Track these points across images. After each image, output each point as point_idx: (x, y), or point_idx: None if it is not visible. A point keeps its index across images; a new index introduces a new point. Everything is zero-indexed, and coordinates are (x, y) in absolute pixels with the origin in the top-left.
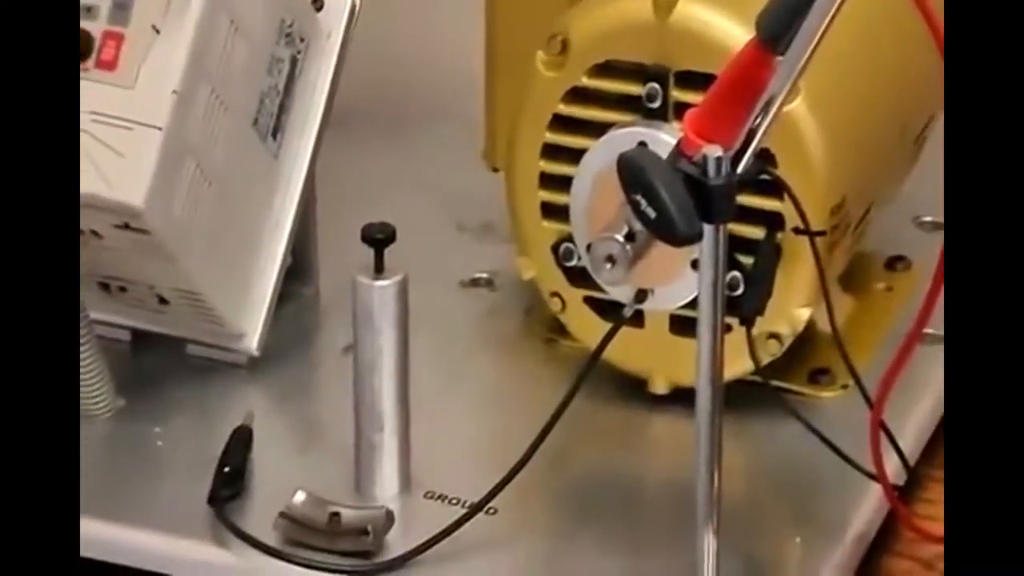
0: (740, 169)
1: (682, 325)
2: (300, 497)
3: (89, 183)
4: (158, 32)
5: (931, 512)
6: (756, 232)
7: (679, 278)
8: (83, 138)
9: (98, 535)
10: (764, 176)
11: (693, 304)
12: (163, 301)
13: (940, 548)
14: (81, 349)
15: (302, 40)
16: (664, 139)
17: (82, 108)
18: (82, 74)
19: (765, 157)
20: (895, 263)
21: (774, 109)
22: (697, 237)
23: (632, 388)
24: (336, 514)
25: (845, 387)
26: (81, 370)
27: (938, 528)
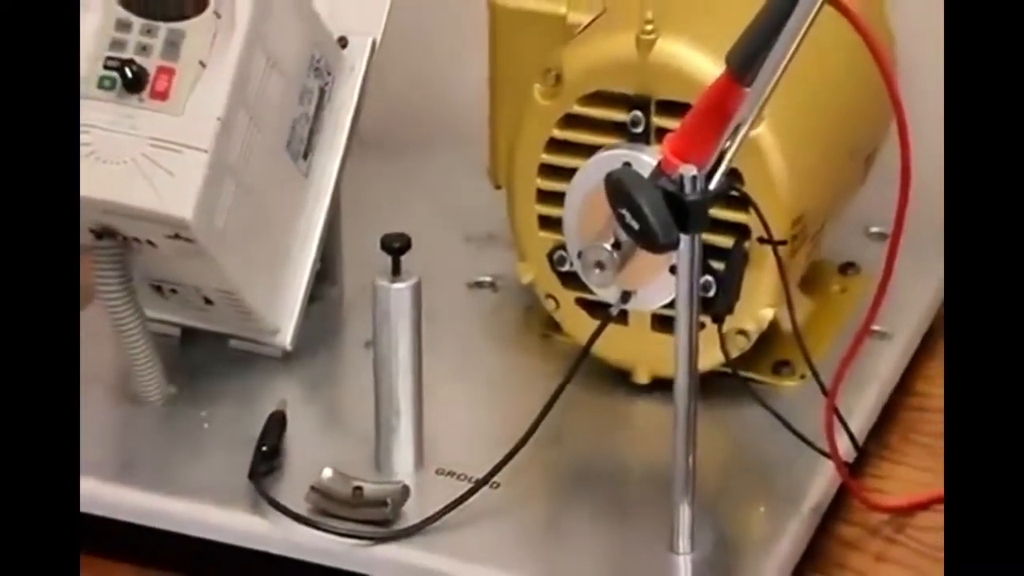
0: (712, 186)
1: (662, 323)
2: (328, 473)
3: (145, 199)
4: (204, 67)
5: (877, 485)
6: (726, 241)
7: (659, 281)
8: (139, 160)
9: (150, 505)
10: (733, 192)
11: (671, 304)
12: (208, 301)
13: (885, 516)
14: (137, 342)
15: (329, 73)
16: (646, 160)
17: (138, 133)
18: (137, 103)
19: (734, 175)
20: (847, 268)
21: (742, 134)
22: (675, 245)
23: (618, 378)
24: (359, 488)
25: (803, 377)
26: (136, 361)
27: (883, 499)
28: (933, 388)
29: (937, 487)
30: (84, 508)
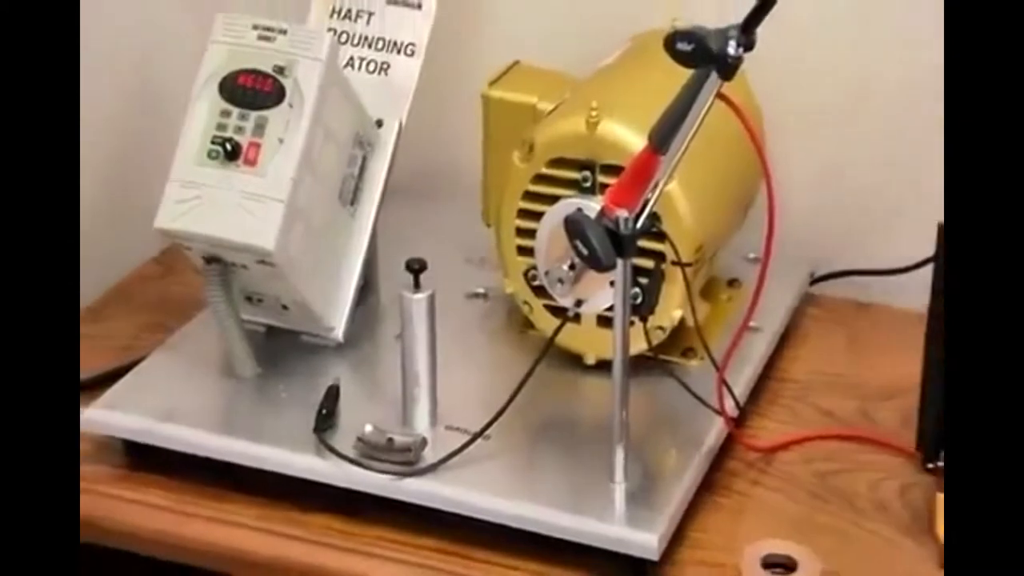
0: (639, 225)
1: (605, 321)
2: (369, 428)
3: (241, 235)
4: (281, 142)
5: (753, 433)
6: (649, 263)
7: (603, 292)
8: (236, 208)
9: (244, 451)
10: (654, 229)
11: (611, 308)
12: (284, 308)
13: (758, 455)
14: (235, 336)
15: (369, 145)
16: (593, 206)
17: (235, 189)
18: (235, 168)
19: (654, 217)
20: (732, 283)
21: (660, 188)
22: (614, 267)
23: (574, 361)
24: (391, 439)
25: (703, 359)
26: (234, 350)
27: (756, 443)
28: (791, 366)
29: (792, 434)
30: (198, 453)
